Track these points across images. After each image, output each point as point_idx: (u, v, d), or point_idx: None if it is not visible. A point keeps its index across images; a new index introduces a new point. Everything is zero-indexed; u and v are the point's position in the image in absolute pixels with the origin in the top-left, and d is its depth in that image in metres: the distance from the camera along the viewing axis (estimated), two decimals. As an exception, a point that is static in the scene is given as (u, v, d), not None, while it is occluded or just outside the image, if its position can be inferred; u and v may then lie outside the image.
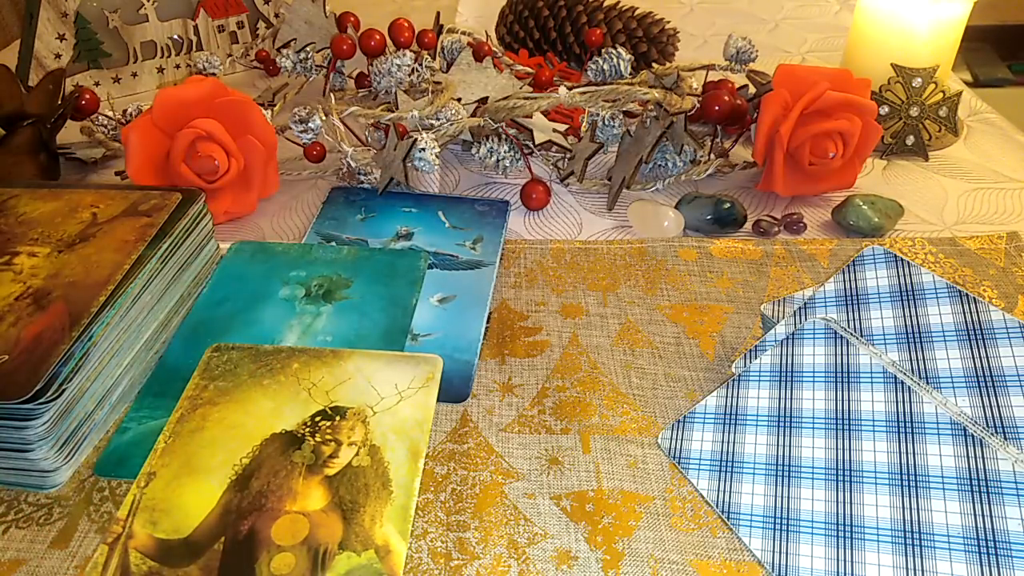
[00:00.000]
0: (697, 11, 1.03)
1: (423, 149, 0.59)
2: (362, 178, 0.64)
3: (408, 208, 0.62)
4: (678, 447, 0.42)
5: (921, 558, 0.34)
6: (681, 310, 0.52)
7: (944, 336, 0.39)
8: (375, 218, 0.61)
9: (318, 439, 0.41)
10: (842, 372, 0.40)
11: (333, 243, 0.58)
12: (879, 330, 0.41)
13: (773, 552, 0.37)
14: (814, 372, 0.41)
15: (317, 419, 0.42)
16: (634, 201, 0.62)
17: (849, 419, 0.38)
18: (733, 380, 0.43)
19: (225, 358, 0.46)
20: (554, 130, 0.67)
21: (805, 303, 0.44)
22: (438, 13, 0.80)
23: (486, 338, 0.50)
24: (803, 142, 0.59)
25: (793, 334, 0.42)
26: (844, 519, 0.36)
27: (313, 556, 0.36)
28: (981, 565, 0.33)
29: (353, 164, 0.64)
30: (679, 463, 0.42)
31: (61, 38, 0.74)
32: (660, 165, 0.66)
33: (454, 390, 0.46)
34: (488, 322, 0.51)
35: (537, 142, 0.66)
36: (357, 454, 0.40)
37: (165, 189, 0.52)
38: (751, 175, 0.68)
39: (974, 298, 0.39)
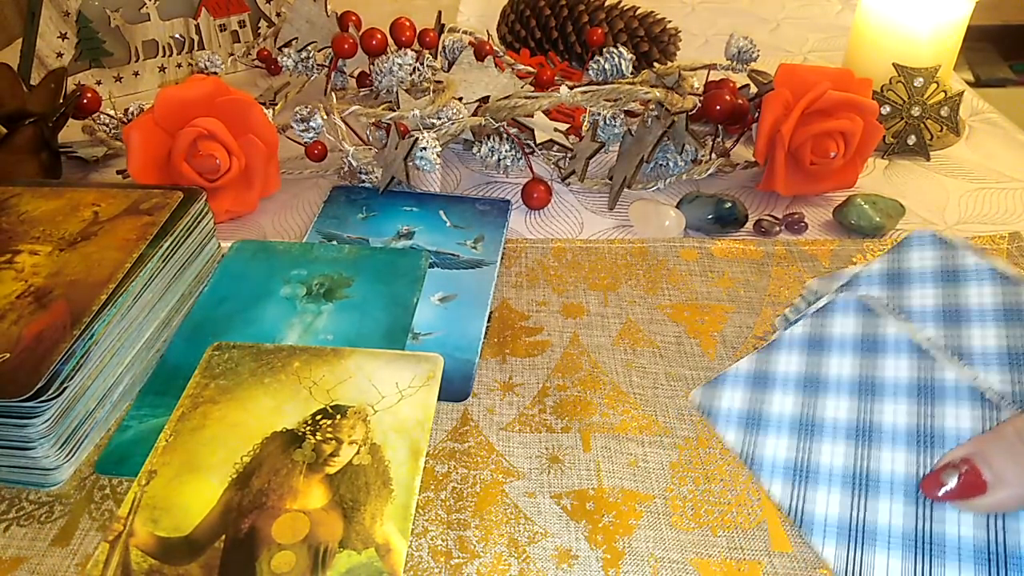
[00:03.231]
0: (699, 11, 1.03)
1: (424, 148, 0.59)
2: (363, 177, 0.64)
3: (409, 207, 0.62)
4: (709, 403, 0.44)
5: (930, 508, 0.35)
6: (682, 309, 0.52)
7: (983, 316, 0.39)
8: (376, 217, 0.61)
9: (319, 437, 0.41)
10: (870, 343, 0.41)
11: (334, 242, 0.58)
12: (918, 307, 0.42)
13: (792, 498, 0.39)
14: (843, 342, 0.42)
15: (318, 417, 0.42)
16: (635, 200, 0.62)
17: (873, 384, 0.40)
18: (765, 345, 0.45)
19: (226, 356, 0.46)
20: (555, 129, 0.67)
21: (850, 280, 0.45)
22: (439, 12, 0.80)
23: (487, 337, 0.50)
24: (804, 142, 0.59)
25: (826, 306, 0.44)
26: (861, 472, 0.38)
27: (314, 554, 0.36)
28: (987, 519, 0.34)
29: (354, 163, 0.64)
30: (708, 417, 0.44)
31: (63, 37, 0.74)
32: (661, 164, 0.66)
33: (455, 389, 0.46)
34: (489, 321, 0.51)
35: (538, 141, 0.66)
36: (358, 453, 0.40)
37: (166, 188, 0.52)
38: (752, 175, 0.68)
39: (1016, 279, 0.39)
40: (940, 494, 0.34)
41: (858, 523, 0.37)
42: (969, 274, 0.41)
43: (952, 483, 0.33)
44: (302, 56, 0.75)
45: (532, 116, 0.66)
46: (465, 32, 0.79)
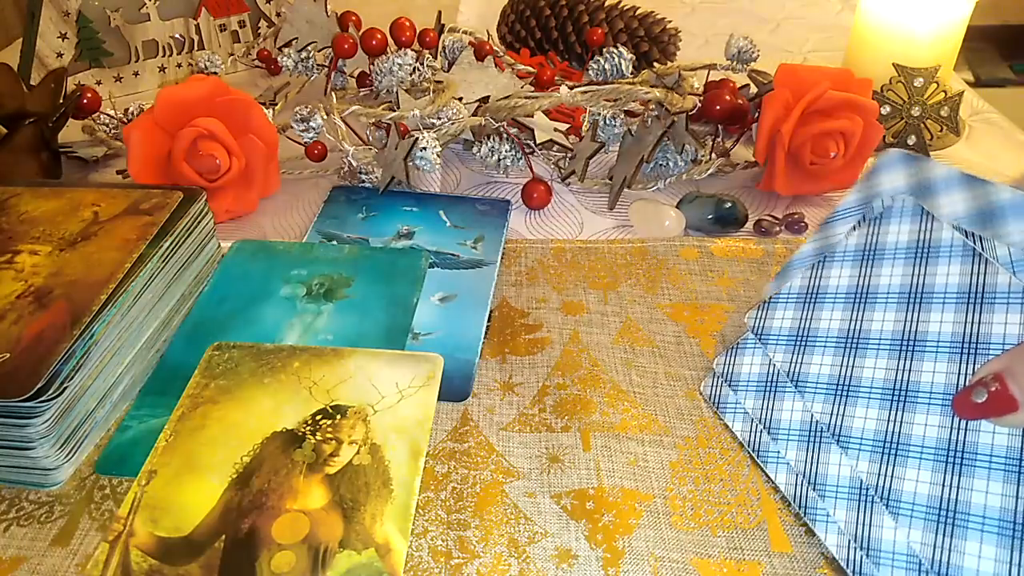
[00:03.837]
0: (699, 11, 1.03)
1: (424, 148, 0.59)
2: (363, 177, 0.64)
3: (409, 207, 0.62)
4: (761, 324, 0.44)
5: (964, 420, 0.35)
6: (682, 309, 0.52)
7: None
8: (376, 217, 0.61)
9: (319, 437, 0.41)
10: (924, 249, 0.40)
11: (334, 242, 0.58)
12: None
13: (831, 415, 0.39)
14: (896, 250, 0.41)
15: (318, 417, 0.42)
16: (635, 200, 0.62)
17: (922, 292, 0.39)
18: (818, 261, 0.44)
19: (226, 356, 0.46)
20: (555, 129, 0.67)
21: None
22: (439, 12, 0.80)
23: (487, 337, 0.50)
24: (804, 142, 0.59)
25: (883, 212, 0.42)
26: (902, 385, 0.37)
27: (314, 554, 0.36)
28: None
29: (354, 163, 0.64)
30: (760, 338, 0.44)
31: (63, 37, 0.74)
32: (661, 164, 0.66)
33: (455, 389, 0.46)
34: (489, 321, 0.51)
35: (538, 141, 0.66)
36: (358, 453, 0.40)
37: (166, 188, 0.52)
38: (752, 175, 0.68)
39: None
40: (970, 412, 0.33)
41: (892, 437, 0.37)
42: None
43: (982, 400, 0.32)
44: (302, 56, 0.75)
45: (532, 116, 0.66)
46: (465, 32, 0.79)
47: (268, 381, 0.44)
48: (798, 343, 0.42)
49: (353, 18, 0.76)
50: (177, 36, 0.80)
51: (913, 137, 0.69)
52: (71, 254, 0.46)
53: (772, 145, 0.61)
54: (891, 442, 0.37)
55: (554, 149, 0.69)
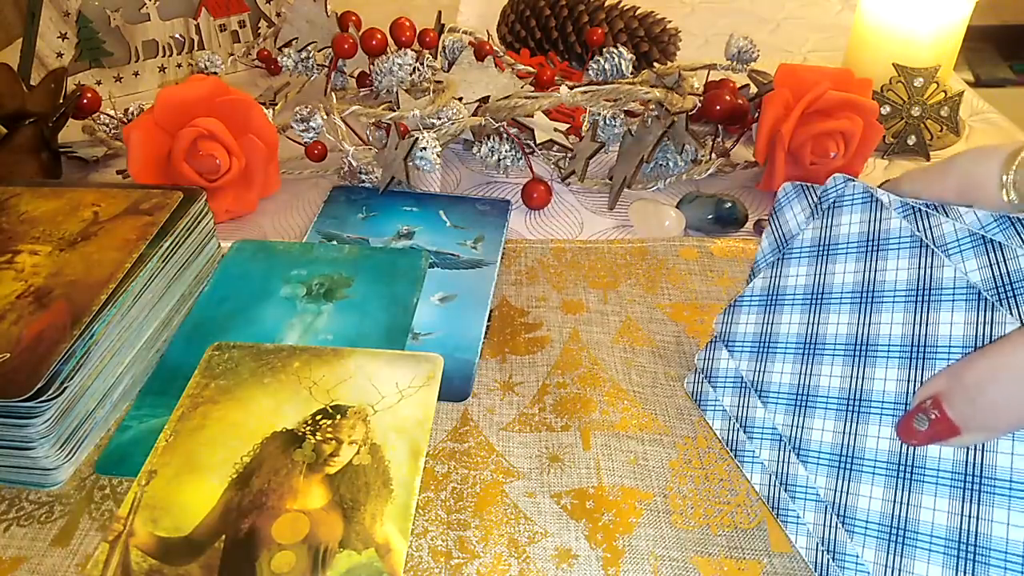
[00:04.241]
0: (699, 11, 1.03)
1: (424, 148, 0.59)
2: (363, 177, 0.64)
3: (409, 207, 0.62)
4: (727, 330, 0.44)
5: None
6: (682, 309, 0.52)
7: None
8: (376, 217, 0.61)
9: (319, 437, 0.41)
10: (874, 241, 0.38)
11: (334, 242, 0.58)
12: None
13: (792, 427, 0.38)
14: (848, 243, 0.39)
15: (318, 417, 0.42)
16: (635, 200, 0.62)
17: (873, 291, 0.38)
18: (777, 259, 0.42)
19: (226, 357, 0.46)
20: (555, 129, 0.67)
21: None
22: (439, 12, 0.80)
23: (487, 337, 0.50)
24: (804, 142, 0.59)
25: (835, 202, 0.40)
26: (855, 394, 0.37)
27: (314, 554, 0.36)
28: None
29: (354, 163, 0.64)
30: (727, 346, 0.43)
31: (63, 37, 0.74)
32: (661, 164, 0.66)
33: (455, 389, 0.46)
34: (489, 321, 0.51)
35: (538, 141, 0.66)
36: (358, 453, 0.40)
37: (166, 188, 0.52)
38: (752, 175, 0.68)
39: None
40: (916, 439, 0.33)
41: (847, 450, 0.36)
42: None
43: (924, 428, 0.32)
44: (302, 56, 0.75)
45: (532, 116, 0.66)
46: (465, 32, 0.79)
47: (268, 381, 0.44)
48: (760, 350, 0.41)
49: (353, 18, 0.76)
50: (177, 36, 0.80)
51: (913, 137, 0.69)
52: (71, 254, 0.46)
53: (772, 145, 0.61)
54: (847, 455, 0.36)
55: (554, 149, 0.69)
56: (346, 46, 0.72)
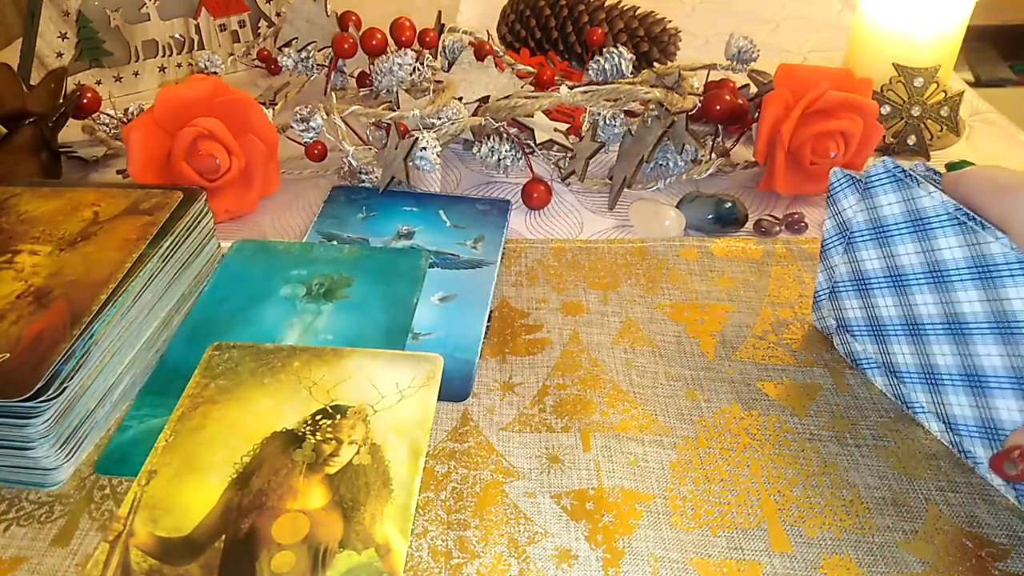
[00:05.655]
0: (699, 11, 1.03)
1: (424, 148, 0.59)
2: (363, 177, 0.64)
3: (409, 207, 0.62)
4: (836, 316, 0.45)
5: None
6: (682, 309, 0.52)
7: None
8: (376, 217, 0.61)
9: (319, 437, 0.41)
10: (916, 220, 0.40)
11: (334, 242, 0.58)
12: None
13: (935, 404, 0.41)
14: (896, 224, 0.41)
15: (318, 417, 0.42)
16: (635, 200, 0.62)
17: (940, 268, 0.39)
18: (846, 244, 0.44)
19: (226, 356, 0.46)
20: (555, 129, 0.67)
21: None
22: (439, 12, 0.80)
23: (487, 337, 0.50)
24: (804, 141, 0.59)
25: (865, 187, 0.42)
26: (972, 372, 0.39)
27: (313, 554, 0.36)
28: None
29: (354, 163, 0.64)
30: (848, 331, 0.44)
31: (63, 37, 0.74)
32: (661, 164, 0.66)
33: (455, 389, 0.46)
34: (489, 321, 0.51)
35: (538, 141, 0.66)
36: (358, 452, 0.40)
37: (166, 188, 0.52)
38: (752, 174, 0.68)
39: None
40: (1008, 478, 0.38)
41: (987, 423, 0.38)
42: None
43: (1014, 473, 0.37)
44: (302, 56, 0.75)
45: (532, 116, 0.66)
46: (465, 32, 0.79)
47: (268, 381, 0.44)
48: (877, 333, 0.43)
49: (353, 18, 0.76)
50: (177, 36, 0.80)
51: (913, 137, 0.69)
52: (71, 254, 0.46)
53: (772, 145, 0.61)
54: (989, 428, 0.38)
55: (554, 149, 0.69)
56: (346, 46, 0.72)
